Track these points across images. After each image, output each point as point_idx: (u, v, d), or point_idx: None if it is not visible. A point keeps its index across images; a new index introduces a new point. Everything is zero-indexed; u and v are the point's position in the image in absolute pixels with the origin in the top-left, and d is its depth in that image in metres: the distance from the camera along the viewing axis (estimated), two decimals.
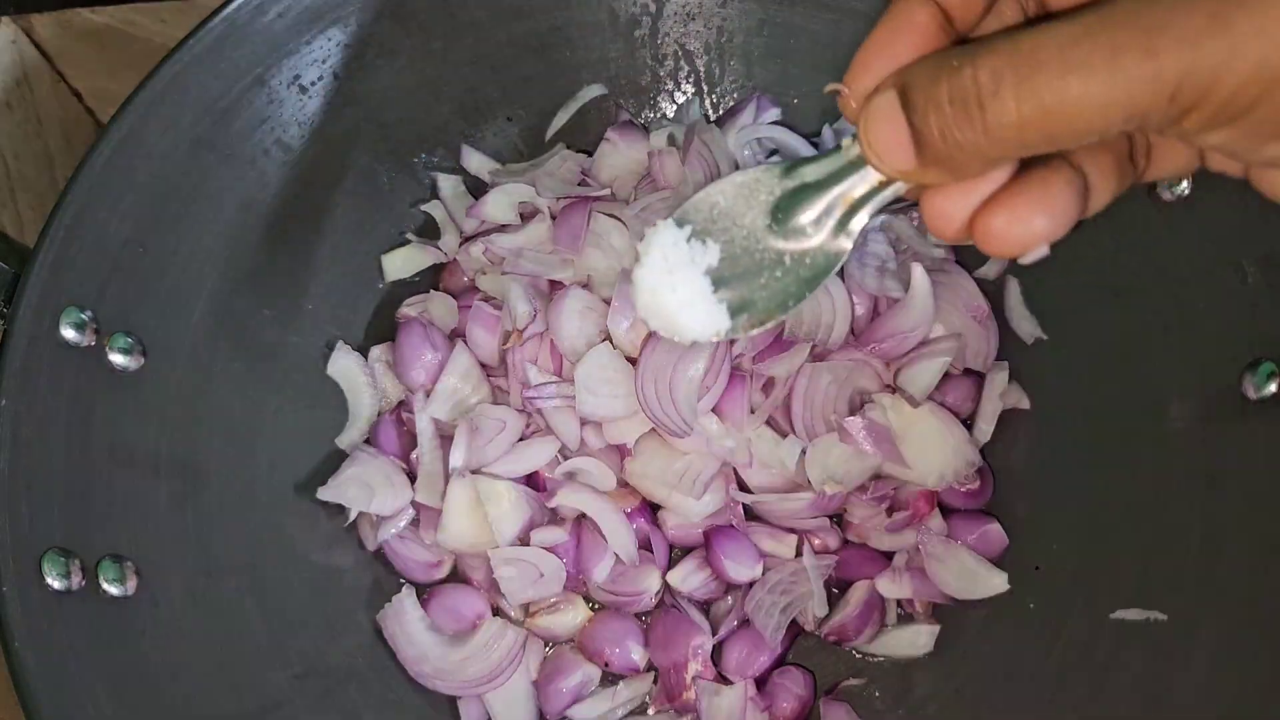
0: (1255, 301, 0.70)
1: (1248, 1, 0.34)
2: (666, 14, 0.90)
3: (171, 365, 0.76)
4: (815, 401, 0.81)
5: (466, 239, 0.90)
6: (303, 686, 0.77)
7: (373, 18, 0.82)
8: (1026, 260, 0.42)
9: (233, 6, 0.76)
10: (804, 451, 0.81)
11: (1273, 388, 0.69)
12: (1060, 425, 0.83)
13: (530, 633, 0.82)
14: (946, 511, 0.83)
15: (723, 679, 0.81)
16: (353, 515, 0.83)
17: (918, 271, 0.83)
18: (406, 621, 0.81)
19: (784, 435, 0.82)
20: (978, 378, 0.86)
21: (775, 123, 0.92)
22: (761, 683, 0.81)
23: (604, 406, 0.80)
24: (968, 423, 0.84)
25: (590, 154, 0.92)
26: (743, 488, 0.83)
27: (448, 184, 0.91)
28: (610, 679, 0.83)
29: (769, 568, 0.81)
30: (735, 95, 0.94)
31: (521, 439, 0.83)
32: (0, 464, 0.66)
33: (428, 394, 0.84)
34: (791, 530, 0.83)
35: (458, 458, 0.80)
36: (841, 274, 0.84)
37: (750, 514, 0.84)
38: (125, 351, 0.73)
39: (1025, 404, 0.85)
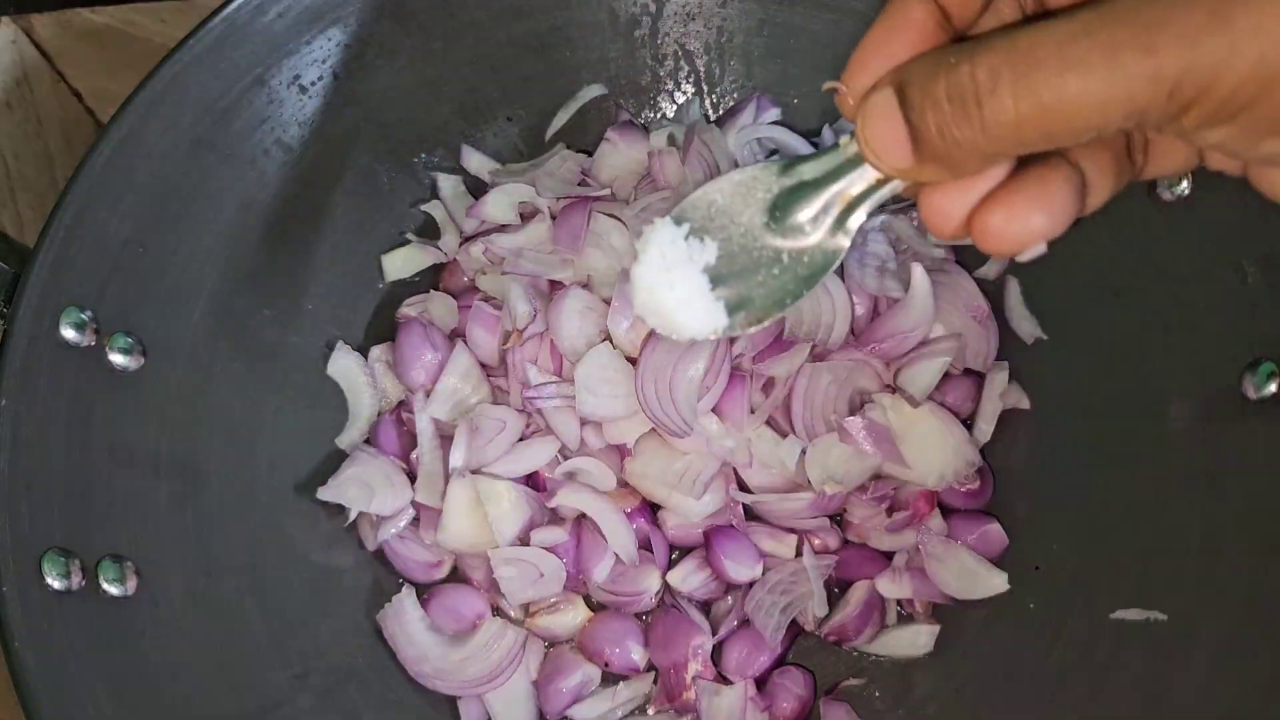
0: (1255, 301, 0.70)
1: None
2: (666, 14, 0.90)
3: (171, 365, 0.76)
4: (815, 401, 0.81)
5: (466, 239, 0.90)
6: (303, 686, 0.77)
7: (373, 18, 0.82)
8: (1024, 258, 0.42)
9: (233, 6, 0.76)
10: (804, 451, 0.81)
11: (1273, 388, 0.69)
12: (1060, 425, 0.83)
13: (530, 633, 0.82)
14: (946, 511, 0.83)
15: (723, 679, 0.80)
16: (353, 515, 0.82)
17: (918, 271, 0.83)
18: (406, 621, 0.81)
19: (784, 435, 0.82)
20: (978, 378, 0.86)
21: (775, 123, 0.92)
22: (761, 683, 0.81)
23: (604, 406, 0.80)
24: (968, 423, 0.84)
25: (590, 154, 0.92)
26: (743, 488, 0.83)
27: (448, 184, 0.91)
28: (610, 679, 0.82)
29: (769, 568, 0.81)
30: (735, 95, 0.94)
31: (521, 439, 0.83)
32: (0, 464, 0.66)
33: (428, 394, 0.84)
34: (791, 530, 0.82)
35: (458, 458, 0.80)
36: (841, 274, 0.84)
37: (750, 514, 0.84)
38: (125, 351, 0.73)
39: (1025, 404, 0.85)
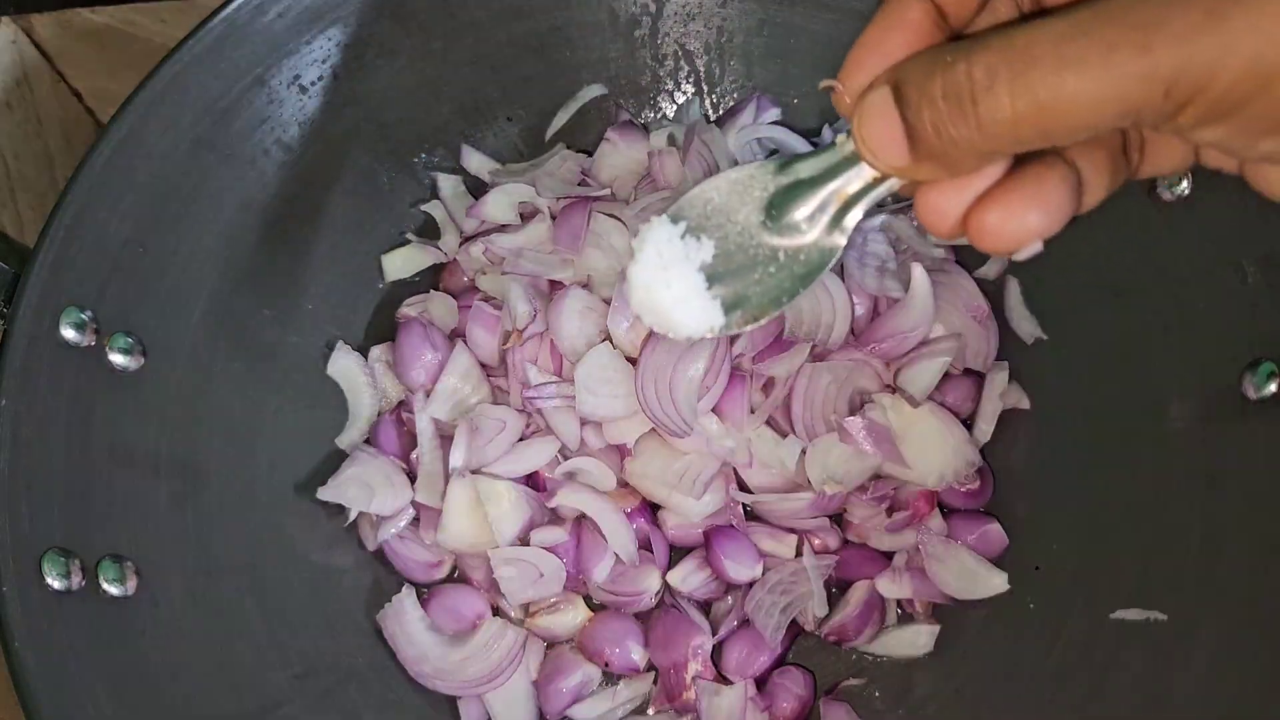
0: (1255, 301, 0.70)
1: None
2: (666, 14, 0.90)
3: (171, 365, 0.76)
4: (815, 401, 0.81)
5: (466, 239, 0.90)
6: (303, 686, 0.77)
7: (373, 18, 0.82)
8: (1021, 257, 0.42)
9: (233, 6, 0.76)
10: (804, 451, 0.81)
11: (1273, 388, 0.69)
12: (1060, 425, 0.83)
13: (530, 633, 0.82)
14: (946, 511, 0.83)
15: (723, 679, 0.80)
16: (353, 515, 0.83)
17: (918, 271, 0.83)
18: (406, 621, 0.81)
19: (784, 435, 0.82)
20: (978, 378, 0.86)
21: (775, 123, 0.92)
22: (761, 683, 0.81)
23: (604, 406, 0.80)
24: (968, 423, 0.84)
25: (590, 154, 0.92)
26: (743, 488, 0.83)
27: (448, 184, 0.92)
28: (610, 679, 0.83)
29: (769, 568, 0.81)
30: (735, 95, 0.94)
31: (521, 439, 0.83)
32: (0, 464, 0.66)
33: (428, 394, 0.84)
34: (791, 530, 0.82)
35: (458, 458, 0.80)
36: (841, 274, 0.84)
37: (750, 514, 0.84)
38: (125, 351, 0.73)
39: (1025, 404, 0.85)
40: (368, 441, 0.86)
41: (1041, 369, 0.85)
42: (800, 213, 0.47)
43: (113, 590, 0.69)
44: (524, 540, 0.81)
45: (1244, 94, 0.35)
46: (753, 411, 0.81)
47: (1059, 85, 0.36)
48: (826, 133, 0.91)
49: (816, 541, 0.83)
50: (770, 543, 0.82)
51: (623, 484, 0.83)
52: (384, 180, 0.89)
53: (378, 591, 0.83)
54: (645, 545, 0.82)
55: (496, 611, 0.83)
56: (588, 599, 0.83)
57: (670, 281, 0.49)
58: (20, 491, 0.67)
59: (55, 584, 0.66)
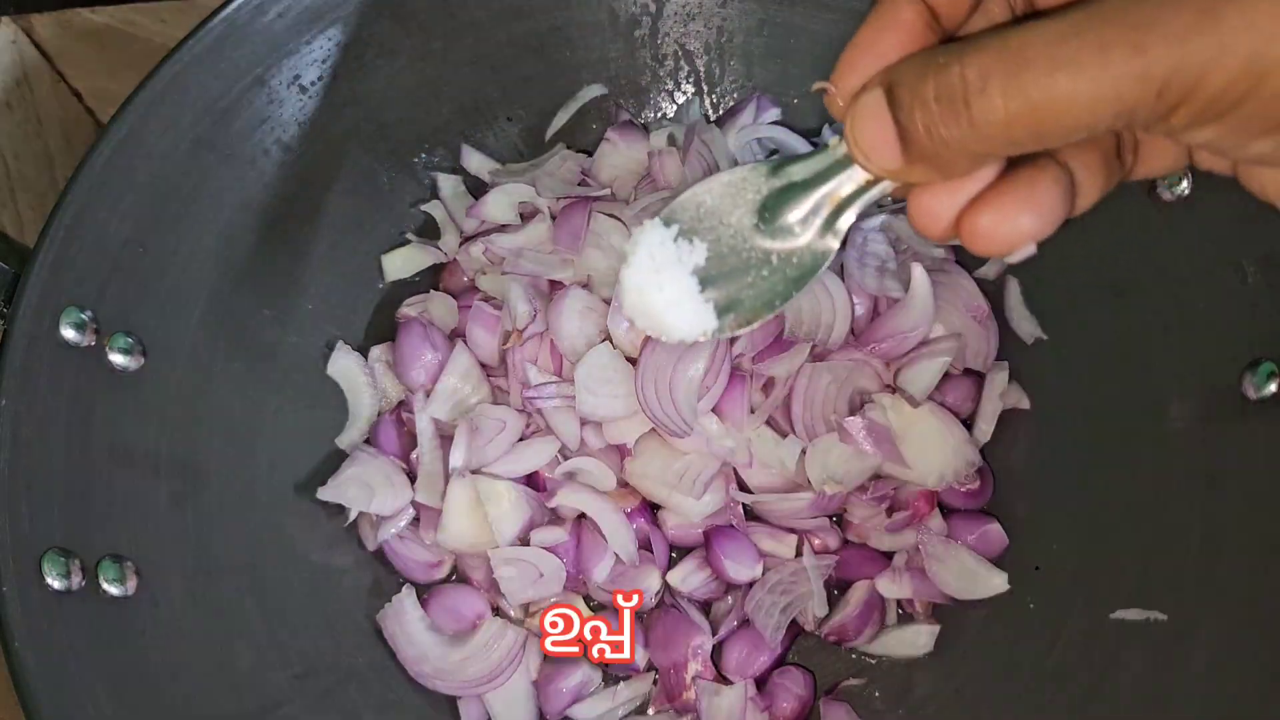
0: (1255, 301, 0.70)
1: None
2: (666, 14, 0.90)
3: (171, 365, 0.76)
4: (815, 401, 0.81)
5: (466, 239, 0.90)
6: (303, 686, 0.77)
7: (373, 18, 0.82)
8: (1014, 259, 0.42)
9: (233, 6, 0.76)
10: (804, 451, 0.81)
11: (1273, 388, 0.69)
12: (1060, 425, 0.83)
13: (530, 633, 0.82)
14: (946, 511, 0.83)
15: (723, 679, 0.80)
16: (353, 515, 0.83)
17: (918, 271, 0.83)
18: (406, 621, 0.81)
19: (784, 435, 0.82)
20: (978, 378, 0.86)
21: (775, 123, 0.92)
22: (761, 683, 0.81)
23: (604, 406, 0.80)
24: (968, 423, 0.84)
25: (590, 154, 0.92)
26: (743, 488, 0.83)
27: (448, 184, 0.92)
28: (610, 679, 0.83)
29: (769, 568, 0.81)
30: (735, 95, 0.94)
31: (521, 439, 0.83)
32: (0, 464, 0.66)
33: (428, 394, 0.84)
34: (791, 530, 0.82)
35: (458, 458, 0.80)
36: (841, 274, 0.84)
37: (750, 514, 0.84)
38: (125, 351, 0.73)
39: (1025, 404, 0.85)
40: (368, 441, 0.86)
41: (1041, 369, 0.85)
42: (793, 216, 0.46)
43: (113, 590, 0.69)
44: (524, 540, 0.81)
45: (1237, 94, 0.35)
46: (753, 411, 0.81)
47: (1052, 86, 0.36)
48: (827, 133, 0.91)
49: (816, 541, 0.83)
50: (770, 543, 0.82)
51: (623, 484, 0.83)
52: (384, 180, 0.89)
53: (378, 591, 0.83)
54: (645, 545, 0.82)
55: (497, 611, 0.83)
56: (588, 599, 0.83)
57: (663, 285, 0.49)
58: (20, 491, 0.67)
59: (55, 584, 0.66)
